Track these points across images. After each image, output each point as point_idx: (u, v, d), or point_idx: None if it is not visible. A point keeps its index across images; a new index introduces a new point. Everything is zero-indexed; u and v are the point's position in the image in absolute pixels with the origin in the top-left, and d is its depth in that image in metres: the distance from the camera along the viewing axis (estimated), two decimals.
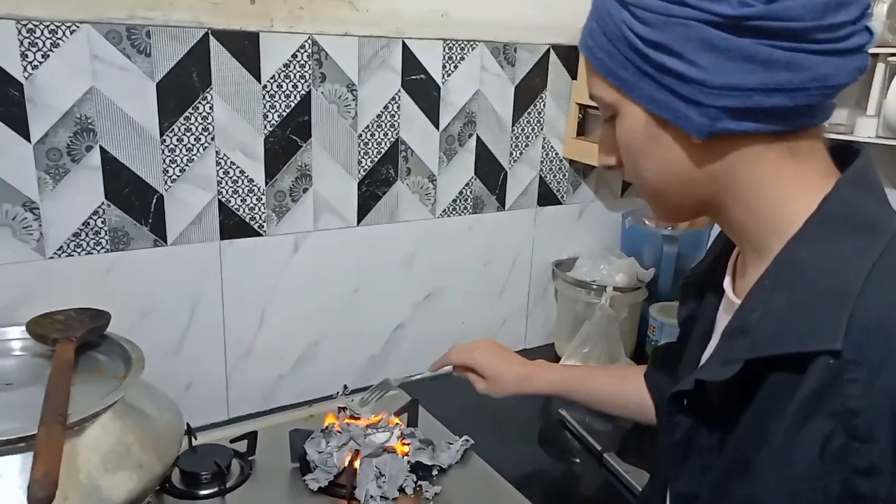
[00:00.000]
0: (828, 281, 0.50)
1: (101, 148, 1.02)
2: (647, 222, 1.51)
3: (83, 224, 1.03)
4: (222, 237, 1.15)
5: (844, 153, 0.60)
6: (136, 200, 1.06)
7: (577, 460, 1.17)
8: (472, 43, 1.31)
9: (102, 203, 1.04)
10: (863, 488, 0.47)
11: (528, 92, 1.41)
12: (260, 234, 1.18)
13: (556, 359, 1.43)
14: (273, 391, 1.27)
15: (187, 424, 0.99)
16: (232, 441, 1.08)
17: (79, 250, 1.04)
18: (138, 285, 1.09)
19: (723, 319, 0.68)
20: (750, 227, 0.60)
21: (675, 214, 0.66)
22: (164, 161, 1.07)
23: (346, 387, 1.22)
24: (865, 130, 1.15)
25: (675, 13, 0.53)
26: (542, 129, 1.45)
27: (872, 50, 1.10)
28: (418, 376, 1.08)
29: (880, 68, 1.12)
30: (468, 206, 1.40)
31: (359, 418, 1.11)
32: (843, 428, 0.48)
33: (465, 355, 1.03)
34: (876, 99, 1.13)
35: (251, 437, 1.09)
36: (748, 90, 0.53)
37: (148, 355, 0.89)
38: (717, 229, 0.75)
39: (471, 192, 1.40)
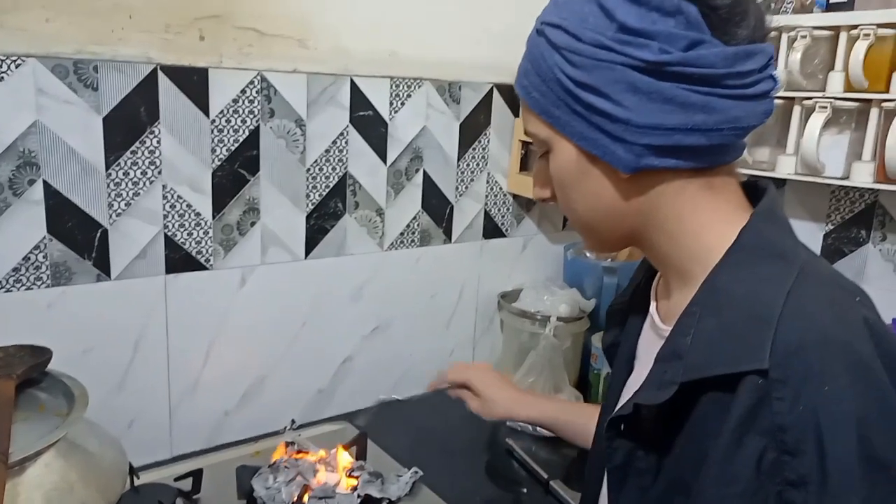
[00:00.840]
0: (751, 306, 0.55)
1: (45, 182, 1.00)
2: (587, 254, 1.57)
3: (24, 259, 1.01)
4: (168, 271, 1.14)
5: (754, 188, 0.66)
6: (79, 235, 1.05)
7: (525, 489, 1.18)
8: (418, 81, 1.35)
9: (44, 237, 1.02)
10: (795, 499, 0.51)
11: (473, 129, 1.45)
12: (206, 268, 1.18)
13: None
14: (219, 427, 1.25)
15: (129, 464, 0.97)
16: (176, 479, 1.06)
17: (18, 285, 1.01)
18: (80, 321, 1.07)
19: (647, 343, 0.72)
20: (673, 256, 0.65)
21: (605, 244, 0.70)
22: (110, 195, 1.06)
23: (293, 421, 1.22)
24: (785, 168, 1.23)
25: (603, 58, 0.57)
26: (486, 165, 1.50)
27: (789, 94, 1.19)
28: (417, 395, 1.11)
29: (797, 110, 1.21)
30: (415, 239, 1.43)
31: (307, 452, 1.10)
32: (774, 443, 0.51)
33: (462, 373, 1.06)
34: (794, 139, 1.22)
35: (196, 474, 1.07)
36: (669, 129, 0.57)
37: (90, 392, 0.87)
38: None
39: (418, 225, 1.43)
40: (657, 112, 0.57)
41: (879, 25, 1.09)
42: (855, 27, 1.12)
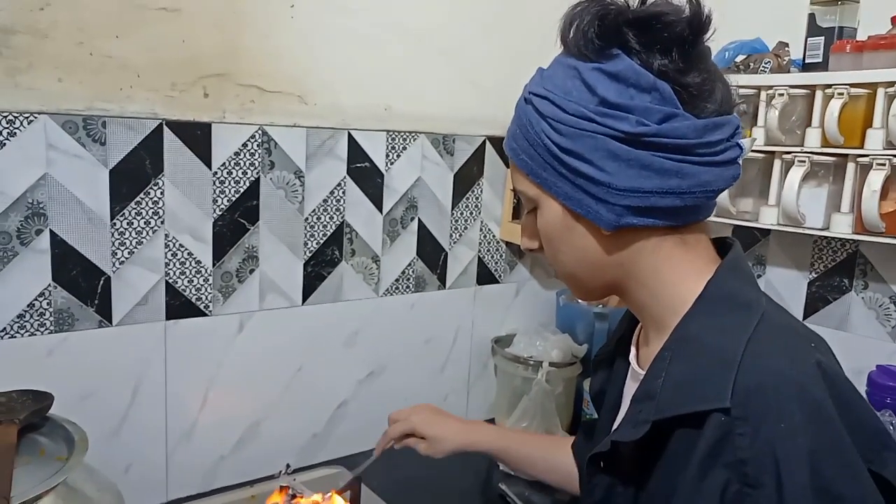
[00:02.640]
0: (715, 352, 0.60)
1: (51, 231, 1.04)
2: (579, 301, 1.60)
3: (28, 306, 1.04)
4: (168, 317, 1.17)
5: (722, 243, 0.72)
6: (83, 282, 1.08)
7: None
8: (413, 134, 1.40)
9: (49, 285, 1.06)
10: None
11: (466, 179, 1.50)
12: (205, 314, 1.21)
13: None
14: (214, 472, 1.26)
15: None
16: None
17: (22, 331, 1.04)
18: (81, 366, 1.10)
19: (630, 388, 0.76)
20: (650, 305, 0.70)
21: (589, 293, 0.75)
22: (114, 244, 1.10)
23: (288, 466, 1.23)
24: (768, 218, 1.27)
25: (585, 128, 0.63)
26: (479, 213, 1.54)
27: (770, 148, 1.24)
28: (369, 462, 1.10)
29: (777, 164, 1.26)
30: (410, 285, 1.47)
31: (301, 496, 1.11)
32: (737, 476, 0.55)
33: (404, 425, 1.06)
34: (775, 191, 1.26)
35: None
36: (646, 192, 0.63)
37: (89, 436, 0.89)
38: None
39: (413, 271, 1.46)
40: (635, 177, 0.62)
41: (852, 85, 1.14)
42: (829, 86, 1.17)
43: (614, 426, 0.75)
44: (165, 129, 1.12)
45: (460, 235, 1.52)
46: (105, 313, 1.11)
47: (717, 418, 0.56)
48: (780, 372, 0.57)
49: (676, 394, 0.60)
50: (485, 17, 1.46)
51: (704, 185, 0.63)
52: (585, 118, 0.63)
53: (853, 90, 1.14)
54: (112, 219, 1.09)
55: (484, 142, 1.51)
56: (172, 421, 1.20)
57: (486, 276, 1.58)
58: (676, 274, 0.67)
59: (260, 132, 1.21)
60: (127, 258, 1.11)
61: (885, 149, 1.12)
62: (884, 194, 1.13)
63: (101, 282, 1.10)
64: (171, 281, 1.16)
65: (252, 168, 1.21)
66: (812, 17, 1.23)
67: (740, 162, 0.66)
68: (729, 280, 0.66)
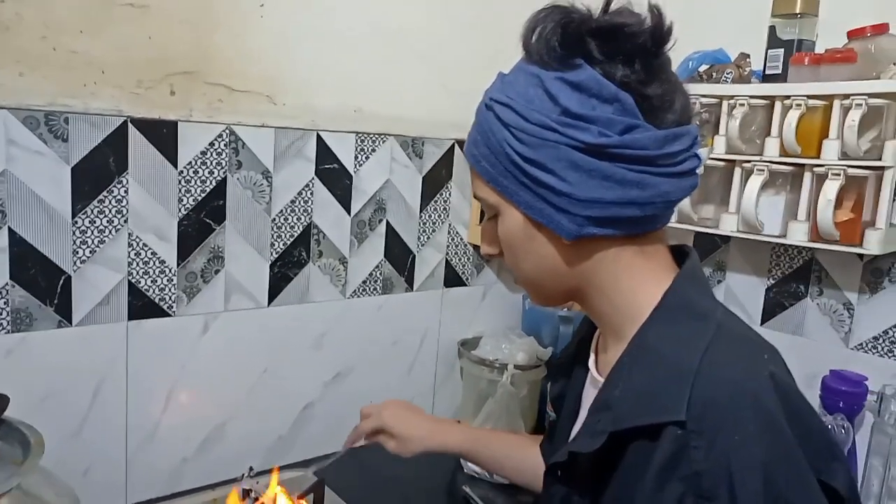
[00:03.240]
0: (672, 362, 0.60)
1: (10, 229, 1.02)
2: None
3: None
4: (130, 318, 1.15)
5: (680, 251, 0.73)
6: (42, 281, 1.06)
7: None
8: (382, 136, 1.40)
9: (7, 284, 1.03)
10: None
11: (435, 182, 1.51)
12: (169, 315, 1.19)
13: None
14: (176, 475, 1.25)
15: None
16: None
17: None
18: (40, 367, 1.07)
19: (588, 394, 0.77)
20: (609, 313, 0.70)
21: (548, 300, 0.75)
22: (75, 242, 1.08)
23: (251, 469, 1.22)
24: (728, 225, 1.30)
25: (548, 137, 0.63)
26: (447, 216, 1.55)
27: (730, 156, 1.27)
28: (335, 457, 1.09)
29: (737, 172, 1.29)
30: (378, 287, 1.47)
31: (261, 500, 1.11)
32: (692, 489, 0.56)
33: (374, 420, 1.05)
34: (735, 198, 1.29)
35: None
36: (607, 203, 0.63)
37: (46, 439, 0.87)
38: None
39: (380, 273, 1.46)
40: (597, 187, 0.63)
41: (809, 97, 1.17)
42: (788, 97, 1.20)
43: (572, 433, 0.76)
44: (130, 126, 1.10)
45: (428, 238, 1.53)
46: (65, 313, 1.09)
47: (672, 431, 0.57)
48: (735, 383, 0.58)
49: (633, 405, 0.61)
50: (458, 20, 1.47)
51: (664, 196, 0.64)
52: (547, 128, 0.63)
53: (811, 102, 1.18)
54: (74, 217, 1.07)
55: (453, 145, 1.52)
56: (134, 422, 1.18)
57: (453, 278, 1.59)
58: (635, 283, 0.68)
59: (227, 132, 1.20)
60: (89, 257, 1.10)
61: (840, 159, 1.15)
62: (838, 204, 1.16)
63: (62, 281, 1.08)
64: (133, 281, 1.15)
65: (219, 167, 1.20)
66: (773, 29, 1.26)
67: (699, 172, 0.67)
68: (686, 289, 0.66)
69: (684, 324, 0.64)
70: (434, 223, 1.53)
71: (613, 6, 0.64)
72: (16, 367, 1.05)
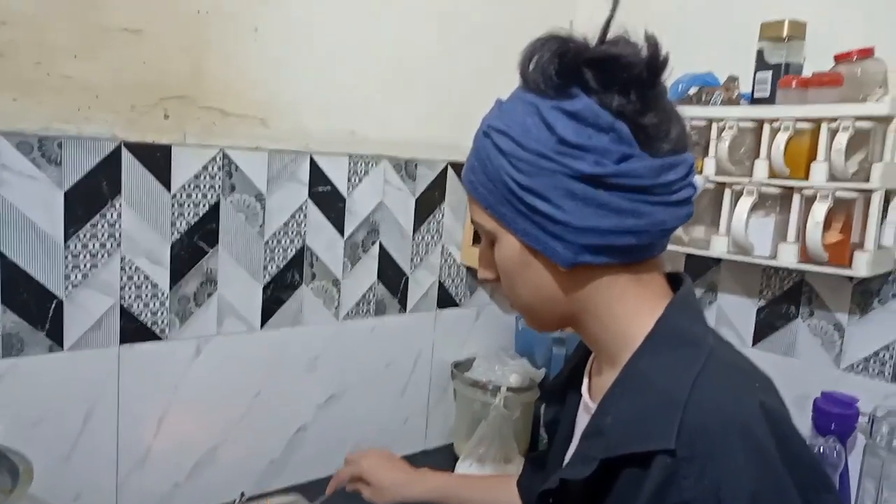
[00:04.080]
0: (663, 390, 0.61)
1: (1, 254, 1.02)
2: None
3: None
4: (122, 342, 1.15)
5: (675, 278, 0.73)
6: (33, 306, 1.06)
7: None
8: (376, 158, 1.41)
9: None
10: None
11: (428, 204, 1.52)
12: (161, 339, 1.19)
13: (455, 458, 1.47)
14: (168, 500, 1.23)
15: None
16: None
17: None
18: (30, 392, 1.07)
19: (582, 419, 0.77)
20: (603, 339, 0.71)
21: (544, 325, 0.76)
22: (67, 266, 1.08)
23: (242, 494, 1.21)
24: (719, 247, 1.31)
25: (544, 166, 0.64)
26: (440, 238, 1.56)
27: (720, 178, 1.28)
28: (320, 501, 1.14)
29: (727, 194, 1.30)
30: (371, 309, 1.47)
31: None
32: None
33: (353, 468, 1.10)
34: (725, 220, 1.30)
35: None
36: (603, 231, 0.64)
37: (36, 465, 0.87)
38: None
39: (374, 295, 1.46)
40: (593, 216, 0.63)
41: (797, 119, 1.19)
42: (776, 120, 1.22)
43: (566, 459, 0.76)
44: (124, 150, 1.10)
45: (421, 259, 1.53)
46: (56, 337, 1.08)
47: (662, 460, 0.57)
48: (724, 412, 0.58)
49: (625, 432, 0.61)
50: (450, 45, 1.49)
51: (660, 224, 0.65)
52: (544, 157, 0.63)
53: (798, 124, 1.19)
54: (66, 241, 1.07)
55: (446, 167, 1.53)
56: (125, 447, 1.17)
57: (446, 299, 1.59)
58: (629, 310, 0.68)
59: (221, 155, 1.20)
60: (81, 281, 1.09)
61: (828, 181, 1.17)
62: (827, 225, 1.17)
63: (53, 305, 1.07)
64: (126, 305, 1.14)
65: (212, 191, 1.20)
66: (760, 52, 1.28)
67: (693, 200, 0.68)
68: (677, 317, 0.67)
69: (675, 352, 0.64)
70: (427, 244, 1.54)
71: (610, 36, 0.65)
72: (6, 393, 1.04)
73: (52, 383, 1.09)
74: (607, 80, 0.63)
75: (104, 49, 1.07)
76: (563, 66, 0.64)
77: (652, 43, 0.64)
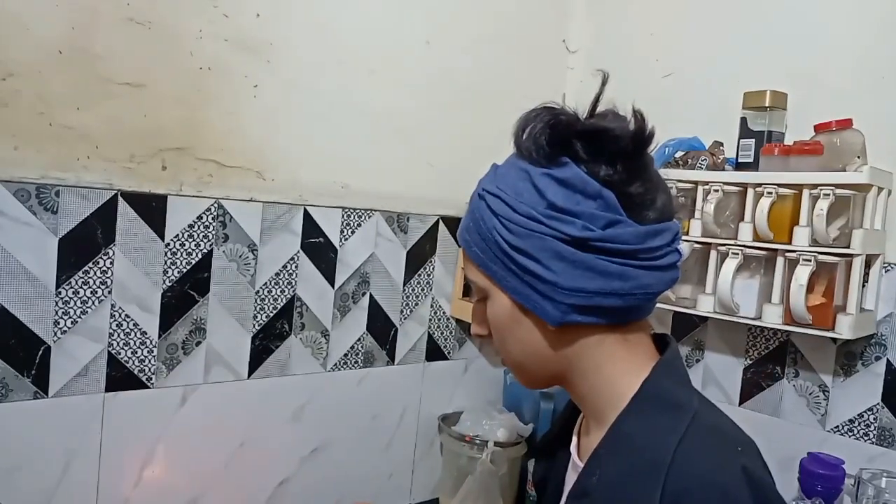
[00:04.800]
0: (646, 453, 0.62)
1: None
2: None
3: None
4: (108, 389, 1.14)
5: (662, 339, 0.75)
6: (21, 351, 1.05)
7: None
8: (368, 211, 1.43)
9: None
10: None
11: (419, 256, 1.53)
12: (147, 387, 1.18)
13: None
14: None
15: None
16: None
17: None
18: (11, 438, 1.06)
19: (571, 478, 0.78)
20: (591, 399, 0.73)
21: (533, 382, 0.77)
22: (57, 313, 1.08)
23: None
24: (705, 306, 1.33)
25: (534, 228, 0.66)
26: (430, 290, 1.57)
27: (706, 239, 1.31)
28: None
29: (713, 255, 1.33)
30: (359, 360, 1.47)
31: None
32: None
33: None
34: (712, 280, 1.33)
35: None
36: (590, 293, 0.66)
37: None
38: None
39: (362, 346, 1.47)
40: (580, 277, 0.66)
41: (780, 185, 1.22)
42: (759, 185, 1.25)
43: None
44: (120, 199, 1.12)
45: (411, 311, 1.54)
46: (42, 384, 1.08)
47: None
48: (706, 477, 0.60)
49: (609, 494, 0.62)
50: (440, 103, 1.53)
51: (645, 288, 0.67)
52: (535, 220, 0.66)
53: (781, 190, 1.23)
54: (57, 287, 1.08)
55: (437, 221, 1.55)
56: (105, 497, 1.15)
57: (435, 352, 1.59)
58: (616, 370, 0.70)
59: (216, 205, 1.22)
60: (70, 328, 1.09)
61: (810, 245, 1.19)
62: (810, 288, 1.20)
63: (41, 352, 1.07)
64: (113, 352, 1.14)
65: (205, 240, 1.22)
66: (744, 120, 1.32)
67: (679, 265, 0.70)
68: (663, 380, 0.69)
69: (660, 414, 0.65)
70: (417, 297, 1.55)
71: (599, 109, 0.69)
72: None
73: (33, 430, 1.07)
74: (596, 151, 0.67)
75: (106, 101, 1.09)
76: (554, 137, 0.67)
77: (639, 117, 0.67)
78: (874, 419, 1.26)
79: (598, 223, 0.65)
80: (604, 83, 0.69)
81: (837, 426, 1.30)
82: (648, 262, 0.67)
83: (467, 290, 1.59)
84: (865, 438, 1.26)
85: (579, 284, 0.66)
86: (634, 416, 0.66)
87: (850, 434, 1.28)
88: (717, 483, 0.59)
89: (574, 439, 0.79)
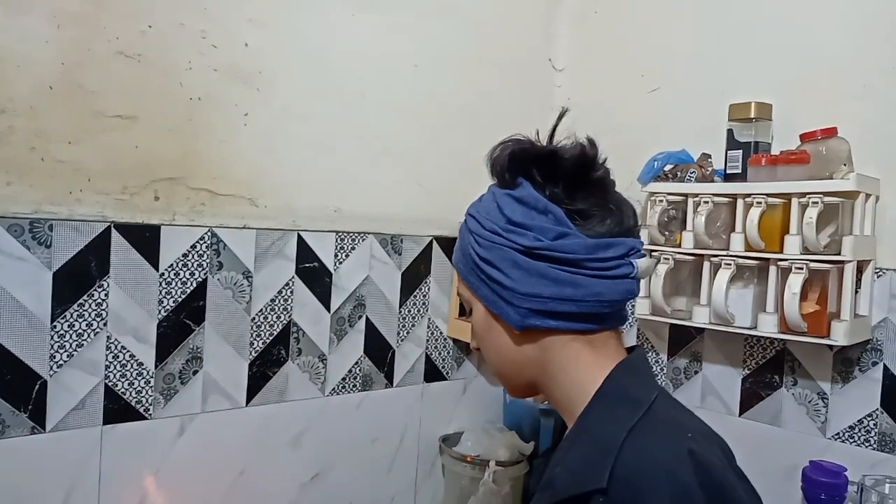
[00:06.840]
0: (601, 440, 0.68)
1: None
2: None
3: None
4: (105, 422, 1.14)
5: (633, 349, 0.81)
6: (17, 387, 1.05)
7: None
8: (362, 234, 1.44)
9: None
10: None
11: (414, 277, 1.54)
12: (145, 418, 1.18)
13: None
14: None
15: None
16: None
17: None
18: (9, 475, 1.05)
19: None
20: (562, 400, 0.78)
21: (515, 389, 0.84)
22: (53, 347, 1.08)
23: None
24: (700, 317, 1.33)
25: (496, 241, 0.76)
26: (427, 311, 1.57)
27: (699, 251, 1.32)
28: None
29: (706, 266, 1.33)
30: (357, 384, 1.46)
31: None
32: None
33: None
34: (706, 291, 1.33)
35: None
36: (545, 298, 0.73)
37: None
38: None
39: (360, 370, 1.46)
40: (535, 284, 0.74)
41: (769, 195, 1.24)
42: (748, 196, 1.26)
43: None
44: (114, 231, 1.12)
45: (408, 333, 1.54)
46: (39, 419, 1.07)
47: (597, 499, 0.64)
48: (653, 457, 0.65)
49: (568, 479, 0.68)
50: (431, 126, 1.54)
51: (597, 295, 0.73)
52: (496, 233, 0.76)
53: (770, 199, 1.24)
54: (53, 321, 1.08)
55: (431, 242, 1.56)
56: None
57: (433, 373, 1.59)
58: (582, 372, 0.76)
59: (209, 234, 1.23)
60: (66, 361, 1.09)
61: (802, 254, 1.20)
62: (804, 296, 1.20)
63: (37, 386, 1.07)
64: (110, 384, 1.14)
65: (200, 269, 1.22)
66: (731, 132, 1.34)
67: (635, 277, 0.75)
68: (622, 378, 0.74)
69: (617, 407, 0.71)
70: (414, 318, 1.55)
71: (557, 138, 0.78)
72: None
73: (31, 466, 1.07)
74: (548, 174, 0.76)
75: (98, 134, 1.10)
76: (514, 163, 0.77)
77: (588, 144, 0.76)
78: (874, 425, 1.26)
79: (548, 235, 0.73)
80: (560, 116, 0.79)
81: (838, 433, 1.30)
82: (599, 272, 0.73)
83: (463, 310, 1.60)
84: (866, 444, 1.26)
85: (535, 290, 0.73)
86: (594, 410, 0.72)
87: (851, 441, 1.28)
88: (662, 462, 0.63)
89: None
